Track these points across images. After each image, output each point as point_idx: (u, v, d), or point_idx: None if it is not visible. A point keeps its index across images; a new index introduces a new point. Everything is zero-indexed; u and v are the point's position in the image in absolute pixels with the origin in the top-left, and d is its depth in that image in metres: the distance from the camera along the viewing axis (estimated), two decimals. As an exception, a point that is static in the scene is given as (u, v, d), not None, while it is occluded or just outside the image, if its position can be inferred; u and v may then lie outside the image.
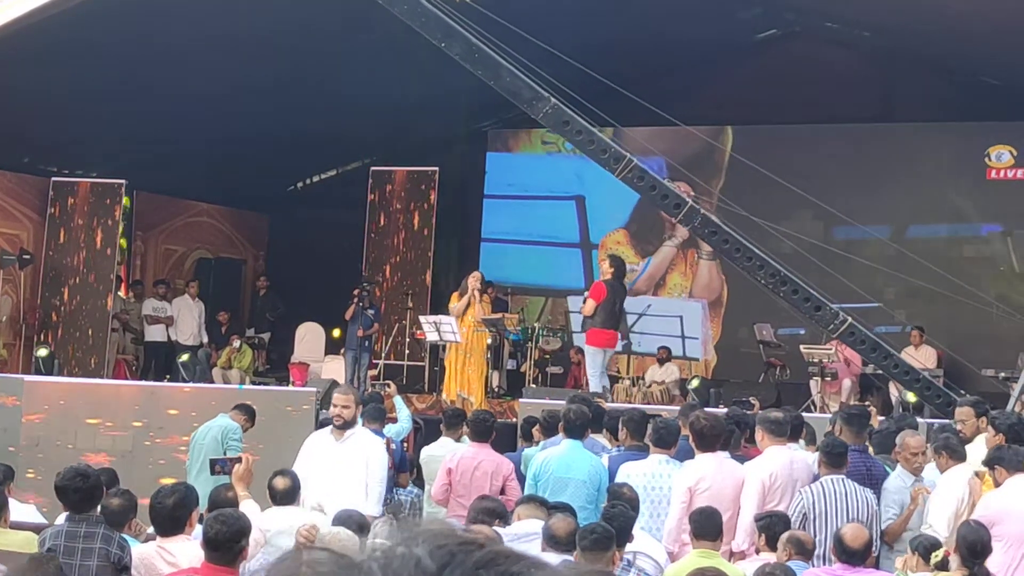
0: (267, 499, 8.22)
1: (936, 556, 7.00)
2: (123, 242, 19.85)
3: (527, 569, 1.50)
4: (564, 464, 9.16)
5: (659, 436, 9.05)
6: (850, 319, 12.40)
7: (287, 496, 8.11)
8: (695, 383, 16.99)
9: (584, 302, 14.81)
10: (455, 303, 16.05)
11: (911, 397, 14.28)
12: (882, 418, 11.63)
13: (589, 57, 14.05)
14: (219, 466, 8.24)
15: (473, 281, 16.05)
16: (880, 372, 14.60)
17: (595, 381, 14.65)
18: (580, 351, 17.16)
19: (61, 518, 7.10)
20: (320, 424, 13.68)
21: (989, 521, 7.28)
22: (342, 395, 9.62)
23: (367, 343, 17.87)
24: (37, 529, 7.52)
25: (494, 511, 7.68)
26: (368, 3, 13.06)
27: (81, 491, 6.74)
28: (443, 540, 1.51)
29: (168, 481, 8.00)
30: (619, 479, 8.73)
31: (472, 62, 12.71)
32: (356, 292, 17.99)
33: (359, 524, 7.04)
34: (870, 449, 9.38)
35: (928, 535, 7.49)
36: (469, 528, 1.59)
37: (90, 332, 18.94)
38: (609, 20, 17.54)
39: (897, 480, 8.63)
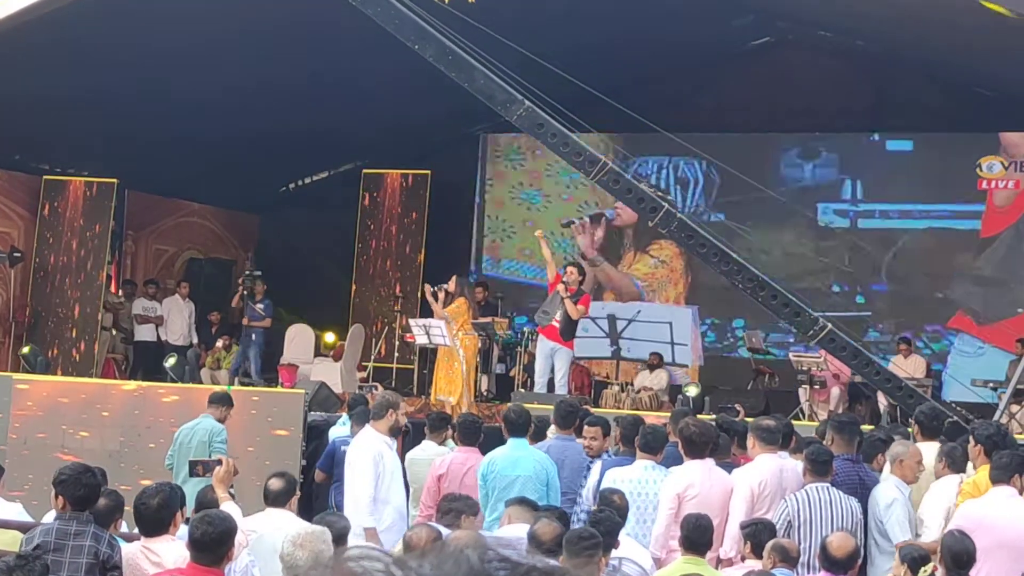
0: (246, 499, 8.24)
1: (925, 571, 7.00)
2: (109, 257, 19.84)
3: None
4: (510, 462, 9.22)
5: (645, 441, 9.07)
6: (830, 325, 12.36)
7: (279, 499, 8.09)
8: (692, 390, 16.97)
9: (576, 303, 14.75)
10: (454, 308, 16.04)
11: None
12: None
13: (580, 65, 14.06)
14: (200, 468, 8.22)
15: (449, 284, 15.89)
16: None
17: (563, 387, 14.68)
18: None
19: (49, 516, 7.08)
20: (312, 427, 13.71)
21: (966, 530, 7.29)
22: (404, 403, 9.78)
23: (254, 336, 18.00)
24: (24, 528, 7.51)
25: (466, 507, 7.70)
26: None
27: (88, 487, 6.71)
28: (487, 551, 1.56)
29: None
30: (605, 484, 8.74)
31: (446, 64, 12.74)
32: (240, 281, 18.25)
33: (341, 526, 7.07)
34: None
35: (916, 547, 7.48)
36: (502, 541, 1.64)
37: (80, 331, 18.92)
38: (600, 27, 17.55)
39: (895, 492, 8.45)
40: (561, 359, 14.88)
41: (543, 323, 14.97)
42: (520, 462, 9.20)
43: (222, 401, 11.66)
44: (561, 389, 14.63)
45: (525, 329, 18.37)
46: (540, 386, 14.94)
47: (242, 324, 18.81)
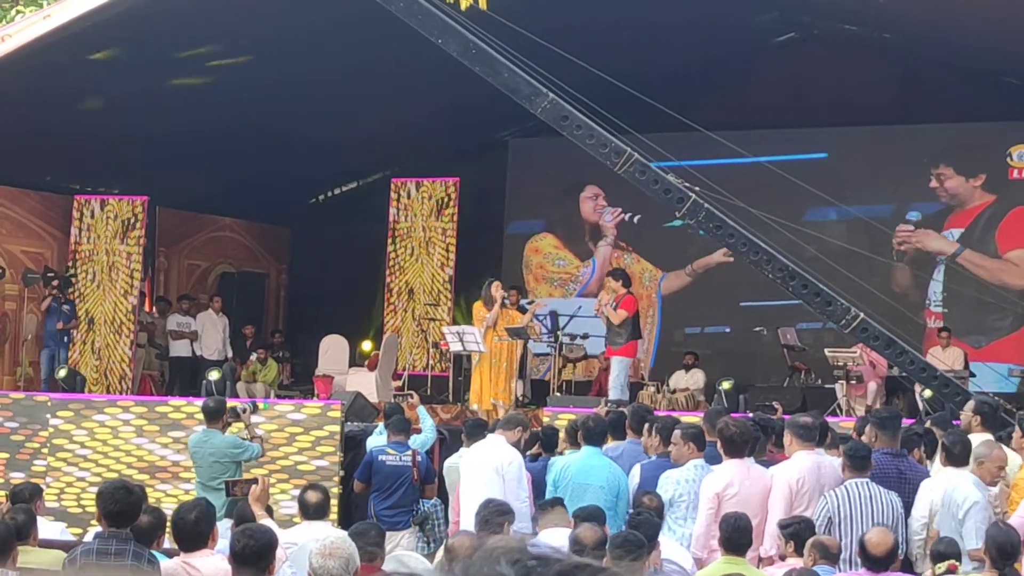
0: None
1: (940, 568, 6.97)
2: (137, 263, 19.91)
3: None
4: (583, 470, 9.21)
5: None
6: (862, 315, 12.27)
7: (319, 510, 8.10)
8: (726, 384, 16.95)
9: (615, 309, 14.86)
10: (480, 312, 16.03)
11: (928, 393, 14.15)
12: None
13: (605, 63, 14.04)
14: (238, 488, 8.24)
15: (496, 292, 16.04)
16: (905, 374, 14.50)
17: (617, 391, 14.71)
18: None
19: (90, 535, 7.10)
20: (349, 438, 13.75)
21: (1024, 524, 7.22)
22: None
23: (66, 338, 18.48)
24: (65, 547, 7.55)
25: (501, 510, 7.68)
26: (387, 14, 13.10)
27: (122, 504, 6.70)
28: (519, 555, 1.57)
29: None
30: (662, 485, 8.75)
31: (469, 59, 12.77)
32: (55, 284, 18.58)
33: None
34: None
35: (946, 539, 7.43)
36: (536, 543, 1.64)
37: (115, 348, 19.01)
38: (625, 25, 17.51)
39: (975, 494, 8.09)
40: (613, 365, 15.18)
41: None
42: (594, 471, 9.21)
43: (218, 414, 11.48)
44: (611, 393, 14.74)
45: (559, 333, 18.35)
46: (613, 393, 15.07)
47: (53, 331, 18.56)
